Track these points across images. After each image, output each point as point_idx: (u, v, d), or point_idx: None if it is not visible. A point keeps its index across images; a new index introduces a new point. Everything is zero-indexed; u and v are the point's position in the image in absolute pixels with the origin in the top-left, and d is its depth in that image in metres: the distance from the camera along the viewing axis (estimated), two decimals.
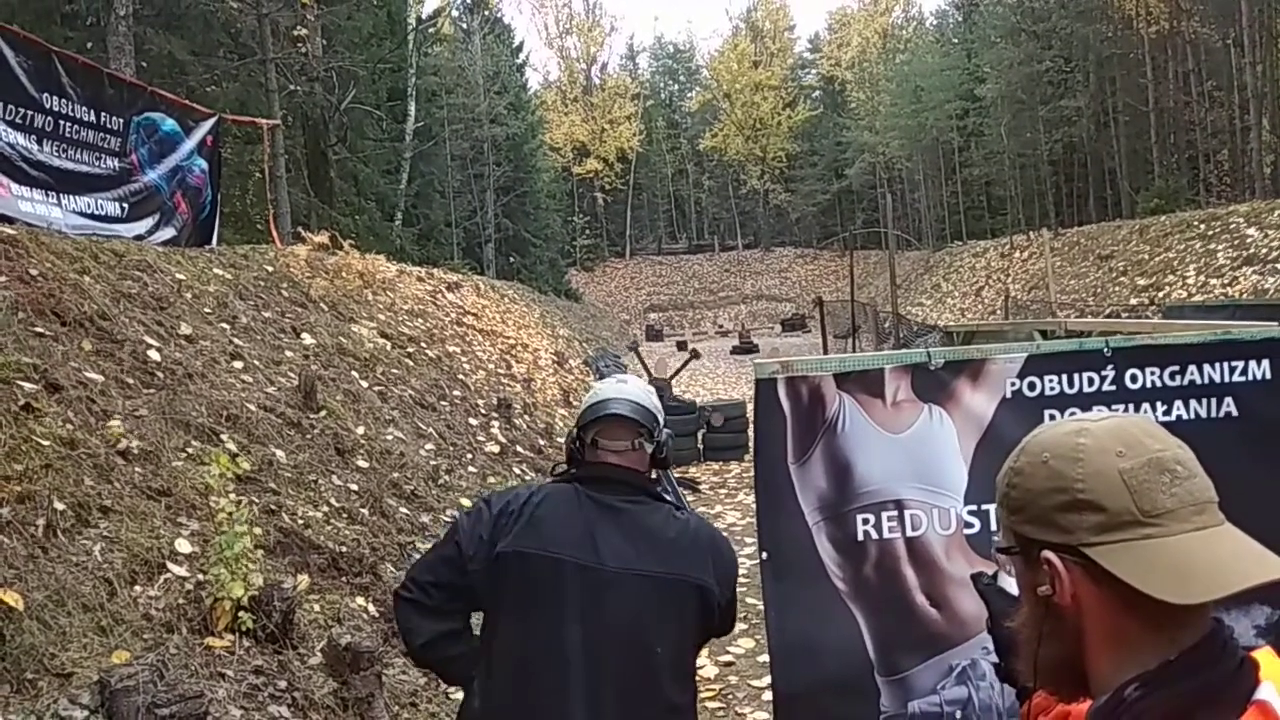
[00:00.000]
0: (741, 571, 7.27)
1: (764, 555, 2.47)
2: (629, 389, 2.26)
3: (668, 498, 2.28)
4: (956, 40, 47.49)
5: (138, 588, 3.43)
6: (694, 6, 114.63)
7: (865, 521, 2.40)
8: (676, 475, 10.82)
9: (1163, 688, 0.92)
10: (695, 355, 13.62)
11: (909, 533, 2.39)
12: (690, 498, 9.73)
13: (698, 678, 4.92)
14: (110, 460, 3.98)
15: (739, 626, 5.66)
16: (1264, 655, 0.98)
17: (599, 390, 2.28)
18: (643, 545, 2.08)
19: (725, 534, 7.79)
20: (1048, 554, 0.97)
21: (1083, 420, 1.02)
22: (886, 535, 2.39)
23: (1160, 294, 17.11)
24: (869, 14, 57.07)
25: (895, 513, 2.39)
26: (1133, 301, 17.79)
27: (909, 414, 2.42)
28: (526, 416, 11.18)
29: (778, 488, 2.44)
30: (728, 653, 5.34)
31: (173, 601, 3.45)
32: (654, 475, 2.26)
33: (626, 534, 2.09)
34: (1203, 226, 18.59)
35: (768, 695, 4.30)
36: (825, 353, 18.18)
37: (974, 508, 2.37)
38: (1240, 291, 14.34)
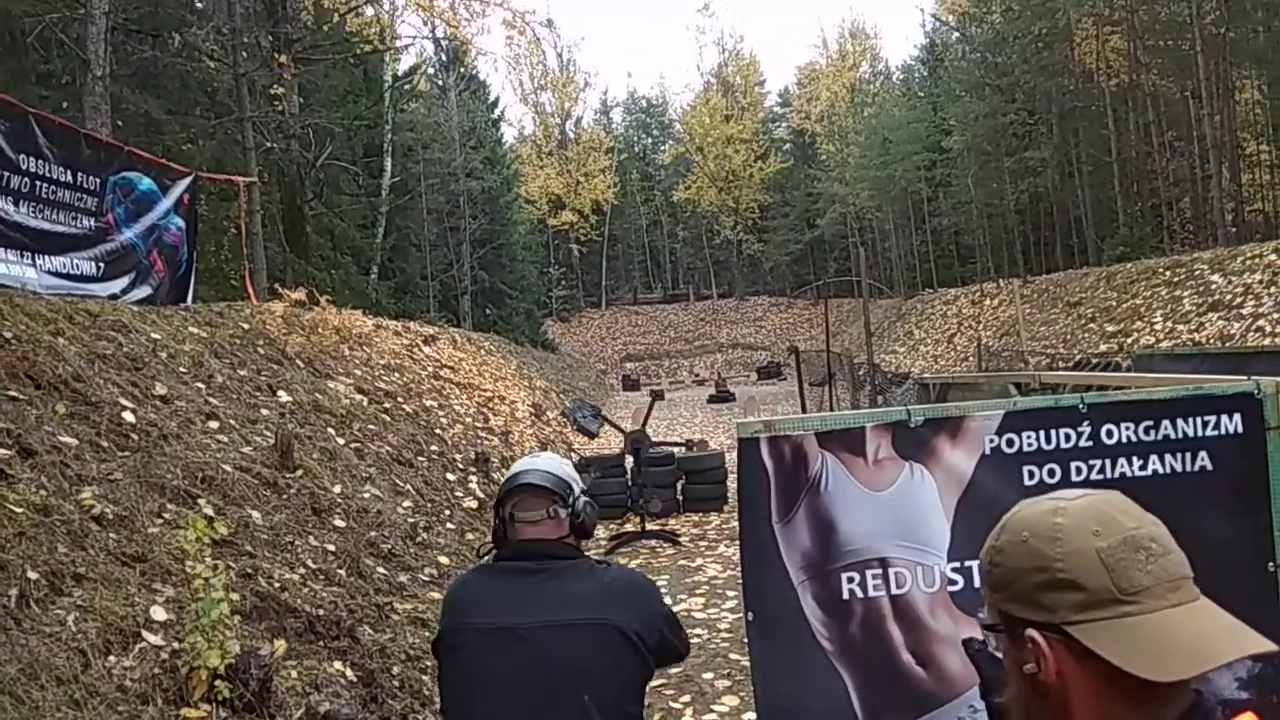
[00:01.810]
0: (724, 627, 7.24)
1: (750, 615, 2.46)
2: (541, 461, 2.39)
3: (590, 557, 2.36)
4: (923, 94, 48.50)
5: (112, 658, 3.36)
6: (666, 62, 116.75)
7: (850, 580, 2.40)
8: (655, 527, 10.76)
9: None
10: (659, 397, 13.41)
11: (893, 591, 2.40)
12: (670, 551, 9.67)
13: None
14: (84, 526, 3.92)
15: (723, 684, 5.63)
16: None
17: (514, 466, 2.40)
18: (559, 599, 2.15)
19: (706, 587, 7.72)
20: (1031, 632, 0.99)
21: (1059, 499, 1.05)
22: (871, 594, 2.40)
23: (1129, 340, 17.35)
24: (837, 69, 58.21)
25: (879, 571, 2.40)
26: (1102, 348, 18.02)
27: (890, 472, 2.44)
28: (504, 470, 11.10)
29: (762, 547, 2.44)
30: (712, 711, 5.28)
31: (148, 672, 3.38)
32: (577, 544, 2.34)
33: (543, 592, 2.16)
34: (1168, 273, 18.93)
35: None
36: (801, 400, 18.24)
37: (957, 564, 2.39)
38: (1207, 337, 14.58)
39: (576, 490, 2.34)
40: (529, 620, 2.11)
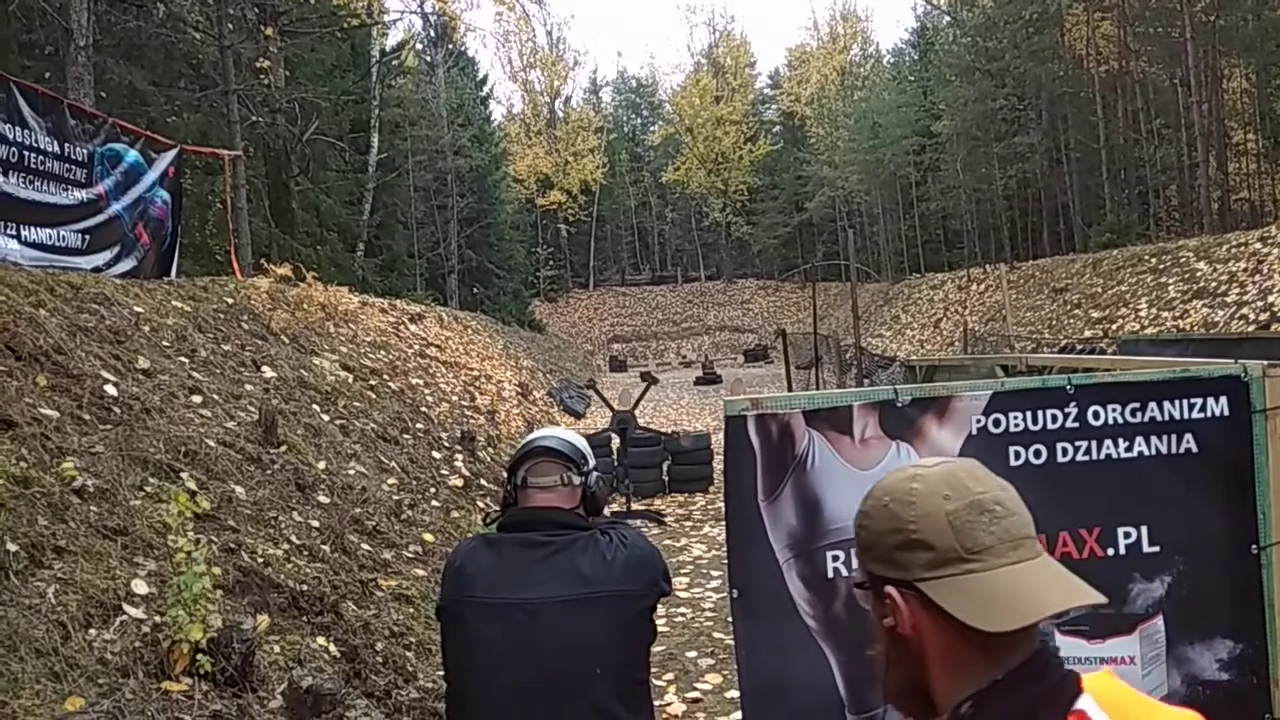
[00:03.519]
0: (708, 606, 7.28)
1: (734, 593, 2.46)
2: (556, 430, 2.42)
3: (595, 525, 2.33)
4: (913, 78, 48.42)
5: (93, 631, 3.34)
6: (656, 42, 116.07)
7: (835, 558, 2.40)
8: (641, 507, 10.78)
9: (992, 704, 1.02)
10: (653, 381, 13.57)
11: None
12: (655, 531, 9.69)
13: (665, 714, 4.88)
14: (65, 499, 3.89)
15: (706, 662, 5.66)
16: (1097, 678, 1.06)
17: (530, 435, 2.41)
18: (566, 573, 2.13)
19: (691, 567, 7.75)
20: (889, 589, 1.08)
21: (919, 466, 1.12)
22: (856, 572, 2.40)
23: (1113, 326, 17.44)
24: (828, 52, 58.03)
25: None
26: (1087, 334, 18.10)
27: (877, 451, 2.43)
28: (490, 449, 11.10)
29: (748, 525, 2.43)
30: (695, 689, 5.31)
31: (129, 645, 3.36)
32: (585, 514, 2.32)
33: (550, 566, 2.14)
34: (1153, 260, 19.02)
35: None
36: (788, 383, 18.27)
37: None
38: (1191, 324, 14.67)
39: (591, 463, 2.33)
40: (539, 595, 2.09)
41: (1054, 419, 2.40)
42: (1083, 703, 1.01)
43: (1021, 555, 1.04)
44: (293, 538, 5.13)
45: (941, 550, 1.04)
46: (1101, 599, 1.04)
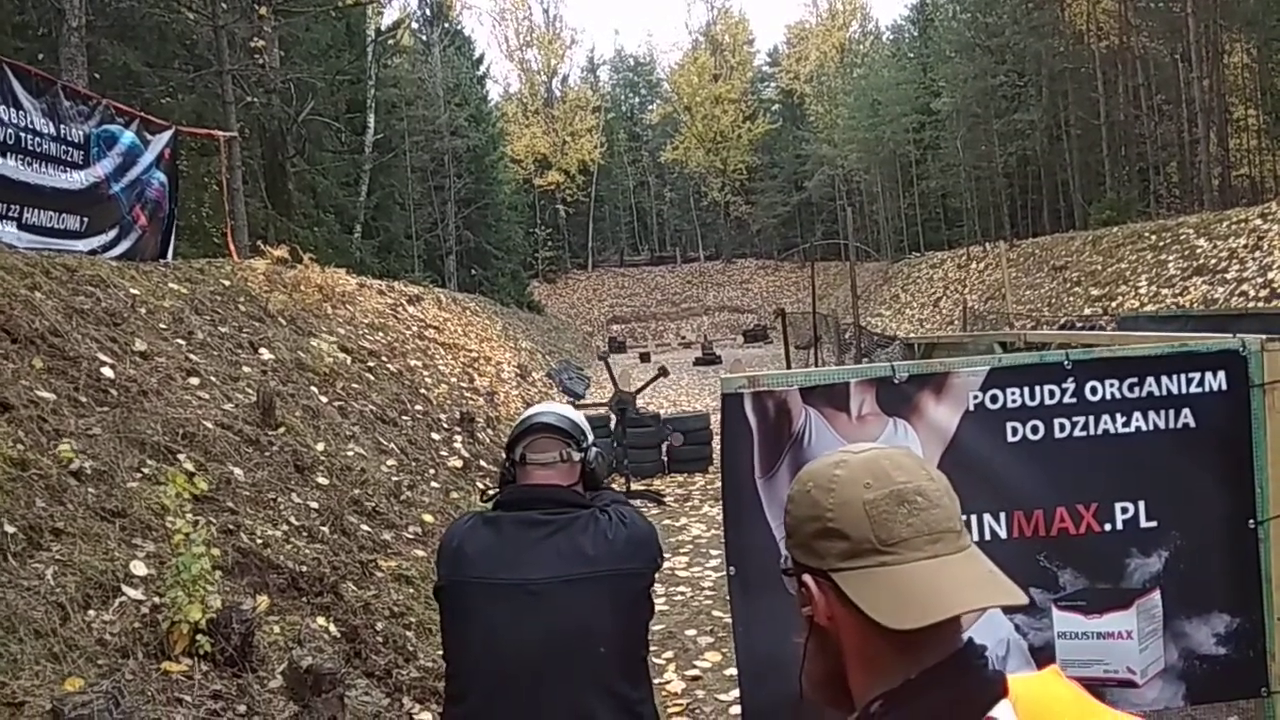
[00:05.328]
0: (708, 584, 7.29)
1: (731, 570, 2.46)
2: (555, 405, 2.39)
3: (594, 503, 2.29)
4: (912, 55, 48.13)
5: (92, 612, 3.34)
6: (654, 20, 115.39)
7: None
8: (641, 487, 10.80)
9: (902, 704, 0.98)
10: (664, 373, 13.54)
11: None
12: (654, 510, 9.71)
13: (664, 692, 4.90)
14: (62, 481, 3.89)
15: (705, 640, 5.68)
16: (1032, 680, 1.02)
17: (527, 411, 2.38)
18: (567, 552, 2.11)
19: (690, 546, 7.75)
20: (806, 577, 1.04)
21: (847, 451, 1.08)
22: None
23: (1113, 304, 17.42)
24: (827, 29, 57.68)
25: None
26: (1087, 311, 18.08)
27: (874, 427, 2.43)
28: (490, 430, 11.10)
29: (745, 503, 2.44)
30: (694, 667, 5.33)
31: (128, 626, 3.37)
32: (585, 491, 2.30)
33: (550, 545, 2.12)
34: (1153, 238, 18.98)
35: (735, 710, 4.30)
36: (788, 363, 18.27)
37: None
38: (1191, 301, 14.66)
39: (590, 439, 2.31)
40: (542, 575, 2.08)
41: (1051, 395, 2.40)
42: (999, 709, 0.96)
43: (939, 550, 0.99)
44: (292, 519, 5.14)
45: (856, 540, 1.00)
46: (1023, 599, 1.00)
